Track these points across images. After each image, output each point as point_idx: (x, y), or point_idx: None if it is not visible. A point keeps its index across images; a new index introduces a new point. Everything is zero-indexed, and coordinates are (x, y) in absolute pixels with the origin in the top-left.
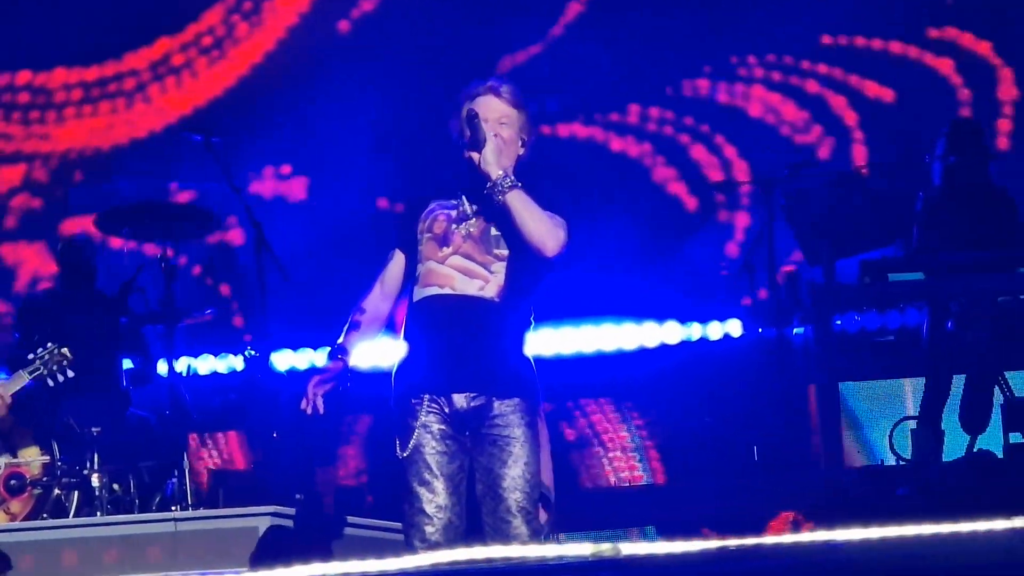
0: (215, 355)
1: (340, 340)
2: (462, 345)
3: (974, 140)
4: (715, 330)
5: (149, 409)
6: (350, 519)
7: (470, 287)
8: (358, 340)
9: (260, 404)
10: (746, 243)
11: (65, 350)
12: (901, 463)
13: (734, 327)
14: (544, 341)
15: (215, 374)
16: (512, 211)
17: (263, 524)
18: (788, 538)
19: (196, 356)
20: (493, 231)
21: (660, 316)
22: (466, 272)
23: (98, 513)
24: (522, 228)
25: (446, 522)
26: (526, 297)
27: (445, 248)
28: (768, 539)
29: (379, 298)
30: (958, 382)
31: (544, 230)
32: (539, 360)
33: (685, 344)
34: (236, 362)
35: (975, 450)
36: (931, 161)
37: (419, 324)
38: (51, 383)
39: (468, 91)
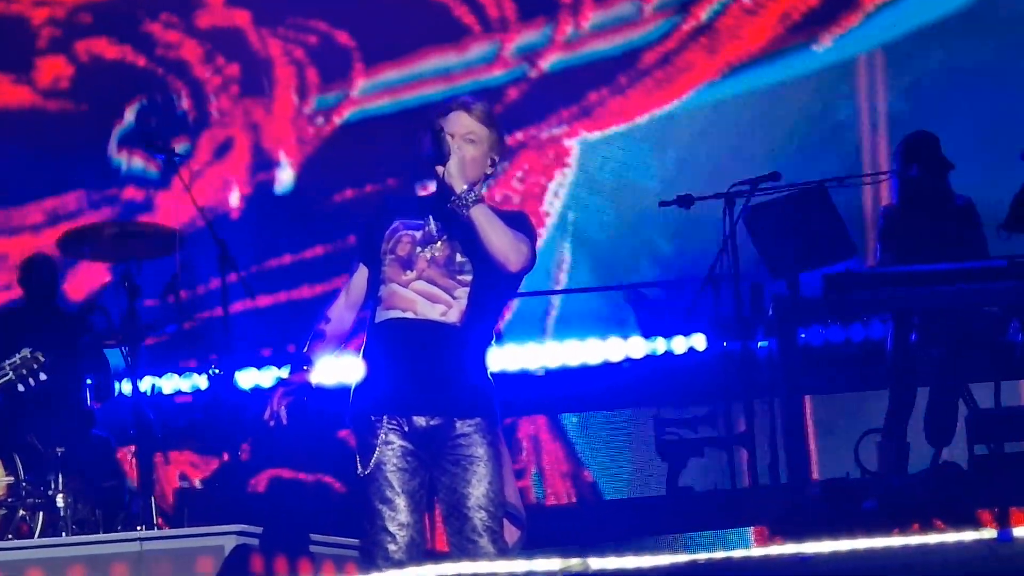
0: (179, 374)
1: (304, 350)
2: (423, 370)
3: (931, 152)
4: (679, 344)
5: (113, 428)
6: (314, 537)
7: (432, 312)
8: (322, 350)
9: (225, 422)
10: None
11: (39, 354)
12: (867, 476)
13: (699, 341)
14: (507, 357)
15: (179, 393)
16: (476, 225)
17: (229, 543)
18: (758, 551)
19: (160, 375)
20: (458, 256)
21: (624, 331)
22: (429, 297)
23: (63, 533)
24: (486, 243)
25: (408, 539)
26: (488, 320)
27: (409, 272)
28: (738, 553)
29: (344, 308)
30: (923, 395)
31: (508, 245)
32: (505, 375)
33: (650, 358)
34: (200, 381)
35: (940, 462)
36: (892, 175)
37: (380, 346)
38: (21, 388)
39: (440, 107)
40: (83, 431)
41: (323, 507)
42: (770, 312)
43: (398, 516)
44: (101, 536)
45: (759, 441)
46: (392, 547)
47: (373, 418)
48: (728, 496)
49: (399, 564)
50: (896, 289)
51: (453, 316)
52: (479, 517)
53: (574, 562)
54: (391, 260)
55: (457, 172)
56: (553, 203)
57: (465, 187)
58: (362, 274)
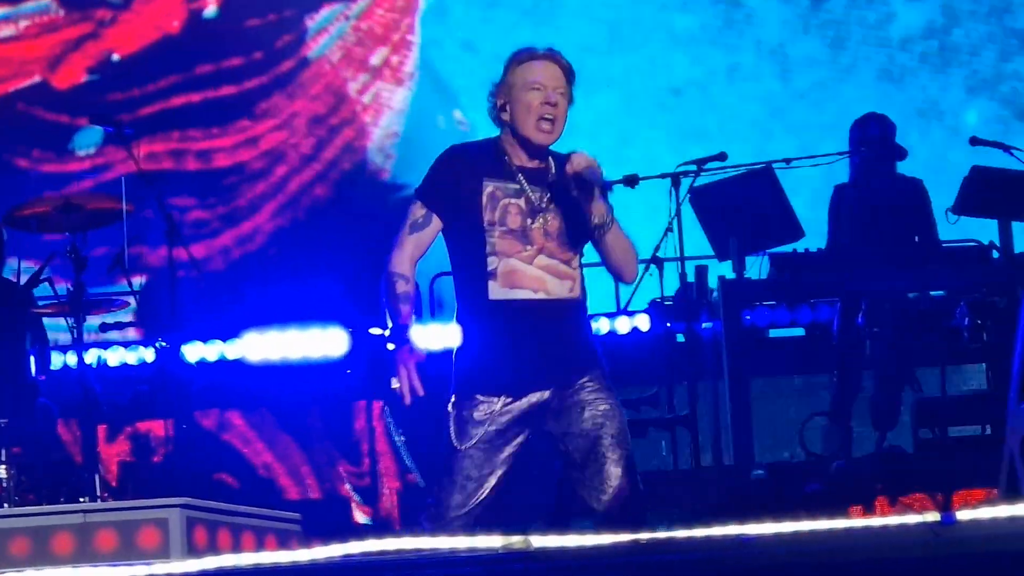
0: (125, 347)
1: (398, 319)
2: (550, 350)
3: (884, 135)
4: (623, 324)
5: (58, 401)
6: (254, 510)
7: (561, 290)
8: (411, 314)
9: (171, 395)
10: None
11: None
12: (811, 458)
13: (643, 321)
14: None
15: (125, 365)
16: (607, 246)
17: (173, 516)
18: (700, 532)
19: (106, 348)
20: (567, 228)
21: None
22: (555, 274)
23: (5, 505)
24: (612, 259)
25: (478, 516)
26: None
27: (529, 247)
28: (680, 533)
29: (411, 262)
30: (869, 378)
31: (632, 262)
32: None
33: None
34: (147, 354)
35: (885, 446)
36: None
37: (502, 326)
38: None
39: (519, 54)
40: (28, 402)
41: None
42: (715, 293)
43: (481, 493)
44: (44, 508)
45: (703, 423)
46: (463, 520)
47: (481, 397)
48: (671, 476)
49: (463, 529)
50: (843, 272)
51: (577, 290)
52: (619, 455)
53: (516, 540)
54: (502, 232)
55: (600, 199)
56: None
57: (607, 213)
58: (433, 229)
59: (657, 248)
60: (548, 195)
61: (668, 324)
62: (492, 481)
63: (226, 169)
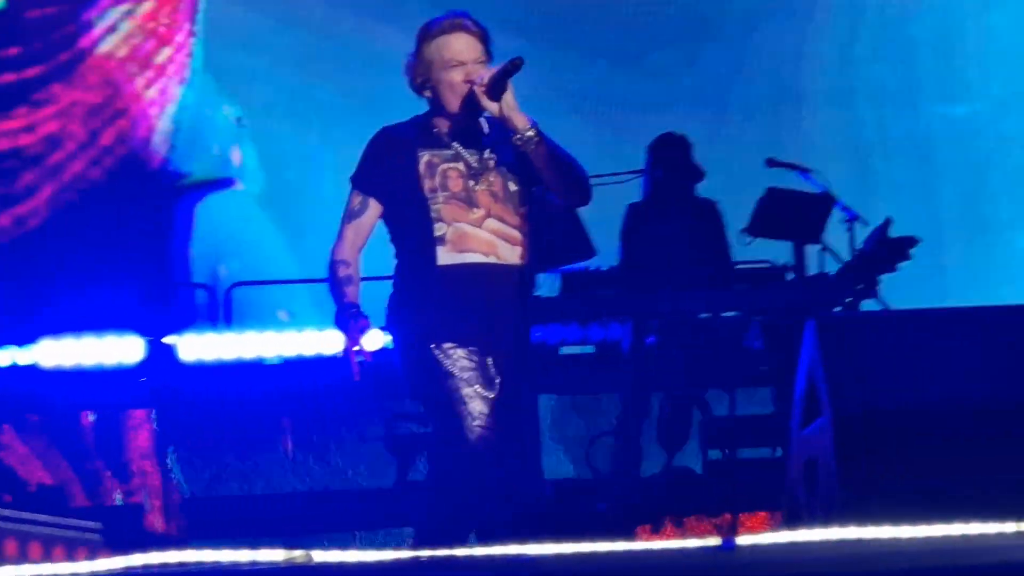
0: None
1: (345, 300)
2: (504, 318)
3: (682, 155)
4: None
5: None
6: (48, 519)
7: (513, 255)
8: (358, 294)
9: None
10: None
11: None
12: (599, 478)
13: None
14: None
15: None
16: (544, 163)
17: None
18: (481, 550)
19: None
20: (511, 186)
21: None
22: (506, 238)
23: None
24: (555, 180)
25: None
26: None
27: (476, 209)
28: (461, 551)
29: (356, 249)
30: (658, 398)
31: (578, 176)
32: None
33: (384, 351)
34: None
35: (673, 467)
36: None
37: (451, 291)
38: None
39: (430, 28)
40: None
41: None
42: None
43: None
44: None
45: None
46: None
47: (435, 345)
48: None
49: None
50: (634, 291)
51: (526, 256)
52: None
53: (297, 554)
54: (446, 198)
55: (516, 105)
56: None
57: (528, 122)
58: (372, 214)
59: None
60: (486, 154)
61: None
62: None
63: (4, 153)
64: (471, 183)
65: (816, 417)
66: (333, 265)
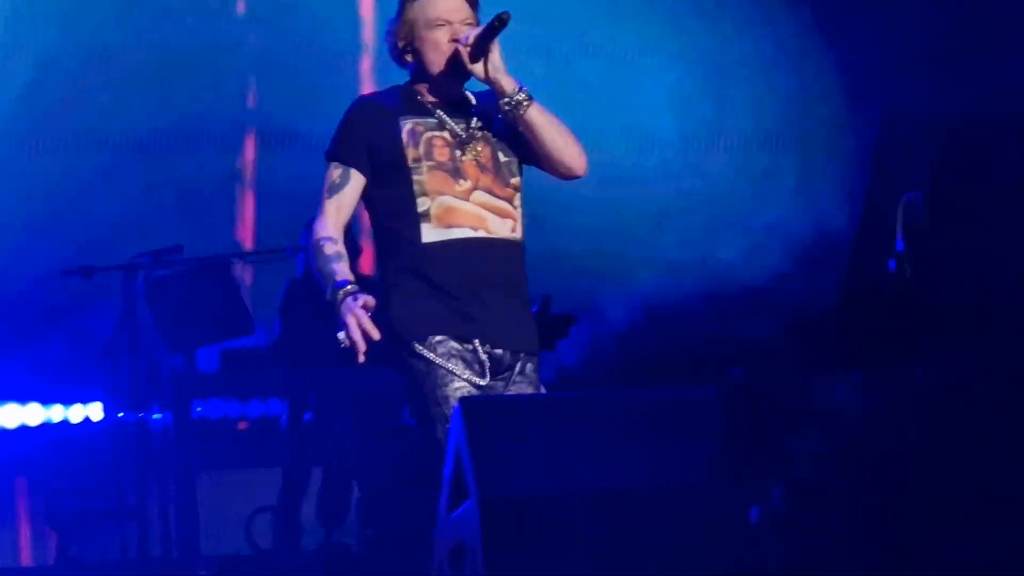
0: None
1: (339, 277)
2: (501, 299)
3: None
4: (76, 413)
5: None
6: None
7: (503, 229)
8: (347, 269)
9: None
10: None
11: None
12: (259, 553)
13: (95, 410)
14: None
15: None
16: (535, 129)
17: None
18: None
19: None
20: (501, 156)
21: (23, 397)
22: (497, 211)
23: None
24: (549, 147)
25: None
26: None
27: (463, 181)
28: None
29: (335, 228)
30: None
31: (572, 142)
32: None
33: (46, 426)
34: None
35: (331, 543)
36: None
37: (443, 270)
38: None
39: None
40: None
41: None
42: (167, 385)
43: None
44: None
45: (152, 514)
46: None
47: (421, 337)
48: (118, 568)
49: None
50: (292, 367)
51: (518, 231)
52: None
53: None
54: (431, 168)
55: (504, 66)
56: None
57: (516, 85)
58: (354, 187)
59: (112, 337)
60: (473, 124)
61: (120, 414)
62: None
63: None
64: (457, 152)
65: (463, 501)
66: (318, 243)
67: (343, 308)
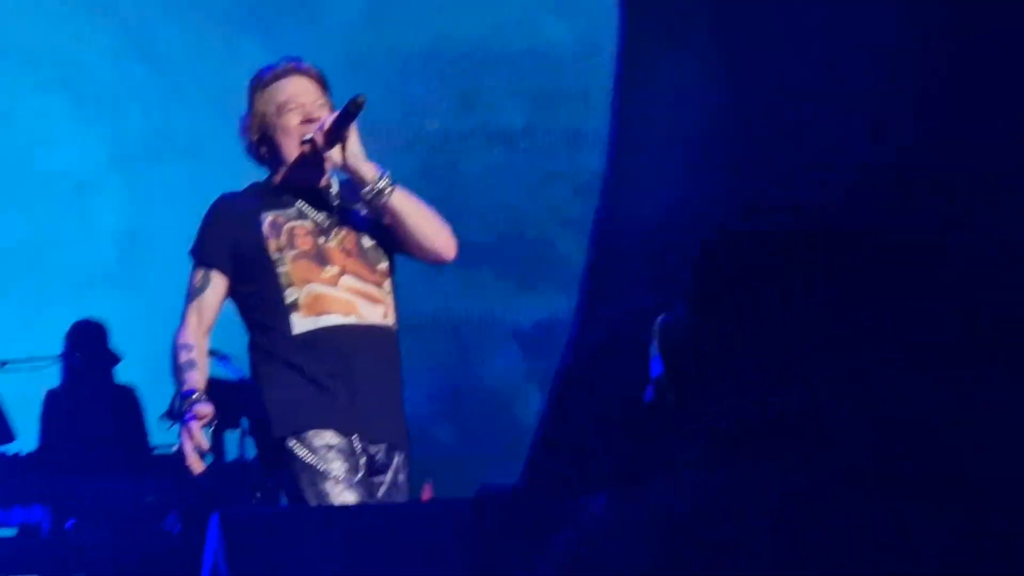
0: None
1: (186, 386)
2: (376, 390)
3: (98, 341)
4: None
5: None
6: None
7: (374, 314)
8: (203, 380)
9: None
10: None
11: None
12: None
13: None
14: None
15: None
16: (400, 216)
17: None
18: None
19: None
20: (366, 241)
21: None
22: (367, 297)
23: None
24: (416, 235)
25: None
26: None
27: (329, 267)
28: None
29: (200, 333)
30: None
31: (440, 228)
32: None
33: None
34: None
35: None
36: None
37: (313, 362)
38: None
39: (261, 77)
40: None
41: None
42: None
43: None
44: None
45: None
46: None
47: (294, 433)
48: None
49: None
50: (53, 474)
51: (391, 317)
52: None
53: None
54: (295, 257)
55: (362, 152)
56: None
57: (377, 172)
58: (216, 289)
59: None
60: (335, 213)
61: None
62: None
63: None
64: (321, 239)
65: None
66: (174, 350)
67: (182, 424)
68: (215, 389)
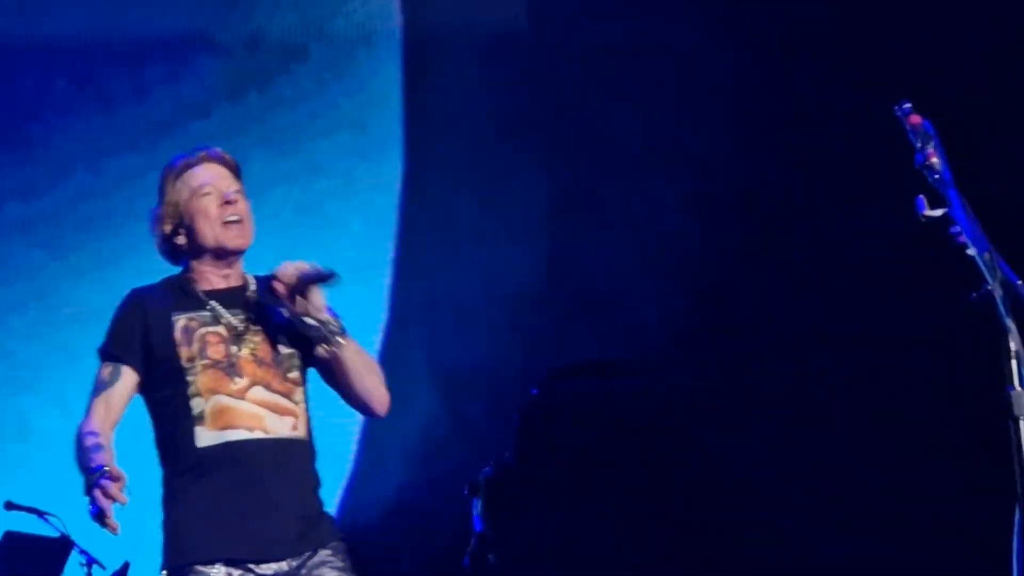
0: None
1: (94, 463)
2: (282, 503)
3: None
4: None
5: None
6: None
7: (282, 427)
8: (111, 461)
9: None
10: None
11: None
12: None
13: None
14: None
15: None
16: (346, 368)
17: None
18: None
19: None
20: (282, 348)
21: None
22: (275, 409)
23: None
24: (355, 385)
25: None
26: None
27: (238, 379)
28: None
29: (107, 424)
30: None
31: (380, 384)
32: None
33: None
34: None
35: None
36: None
37: (217, 477)
38: None
39: (173, 166)
40: None
41: None
42: None
43: None
44: None
45: None
46: None
47: (200, 568)
48: None
49: None
50: None
51: (302, 429)
52: None
53: None
54: (204, 367)
55: (324, 307)
56: None
57: (329, 316)
58: (125, 384)
59: None
60: (250, 316)
61: None
62: None
63: None
64: (233, 348)
65: None
66: (78, 439)
67: (95, 494)
68: (36, 547)
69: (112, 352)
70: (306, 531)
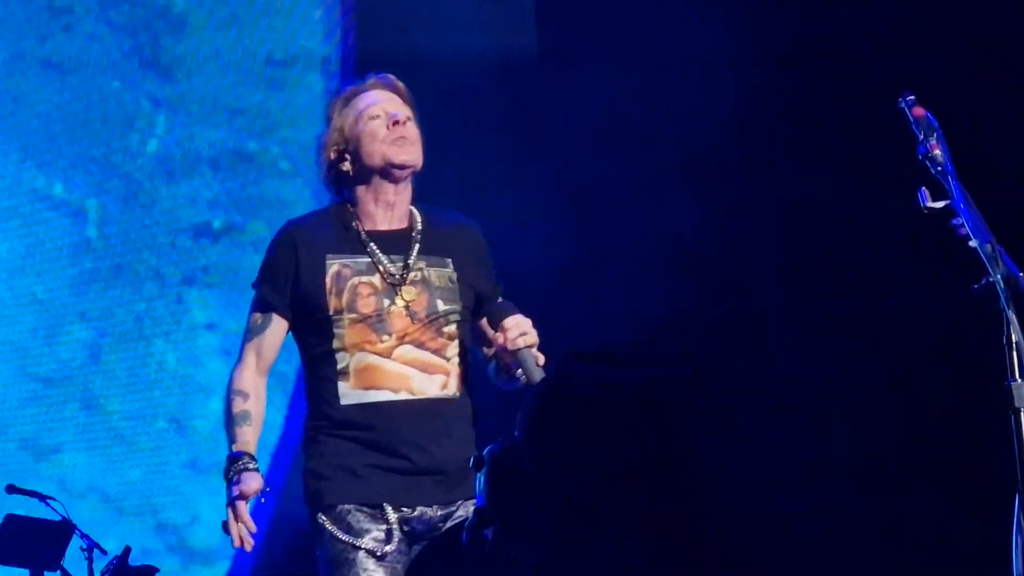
0: None
1: (236, 446)
2: (428, 462)
3: None
4: None
5: None
6: None
7: (431, 387)
8: (255, 436)
9: None
10: None
11: None
12: None
13: None
14: None
15: None
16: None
17: None
18: None
19: None
20: (441, 305)
21: None
22: (424, 367)
23: None
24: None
25: None
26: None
27: (386, 337)
28: None
29: (258, 374)
30: None
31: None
32: None
33: None
34: None
35: None
36: None
37: (362, 433)
38: None
39: (342, 92)
40: None
41: None
42: None
43: None
44: None
45: None
46: None
47: (340, 508)
48: None
49: None
50: None
51: (452, 387)
52: None
53: None
54: (352, 321)
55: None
56: None
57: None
58: (276, 331)
59: None
60: (413, 257)
61: None
62: None
63: None
64: (385, 301)
65: None
66: (229, 395)
67: (228, 495)
68: (37, 530)
69: (263, 296)
70: (454, 487)
